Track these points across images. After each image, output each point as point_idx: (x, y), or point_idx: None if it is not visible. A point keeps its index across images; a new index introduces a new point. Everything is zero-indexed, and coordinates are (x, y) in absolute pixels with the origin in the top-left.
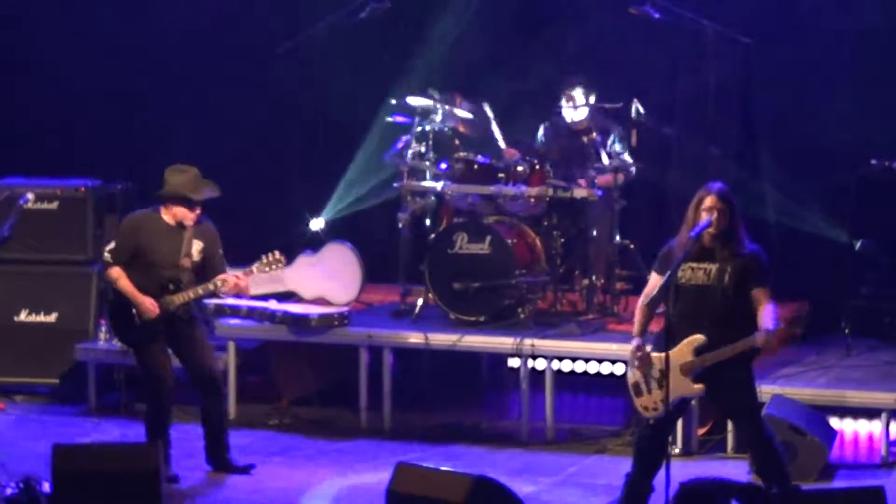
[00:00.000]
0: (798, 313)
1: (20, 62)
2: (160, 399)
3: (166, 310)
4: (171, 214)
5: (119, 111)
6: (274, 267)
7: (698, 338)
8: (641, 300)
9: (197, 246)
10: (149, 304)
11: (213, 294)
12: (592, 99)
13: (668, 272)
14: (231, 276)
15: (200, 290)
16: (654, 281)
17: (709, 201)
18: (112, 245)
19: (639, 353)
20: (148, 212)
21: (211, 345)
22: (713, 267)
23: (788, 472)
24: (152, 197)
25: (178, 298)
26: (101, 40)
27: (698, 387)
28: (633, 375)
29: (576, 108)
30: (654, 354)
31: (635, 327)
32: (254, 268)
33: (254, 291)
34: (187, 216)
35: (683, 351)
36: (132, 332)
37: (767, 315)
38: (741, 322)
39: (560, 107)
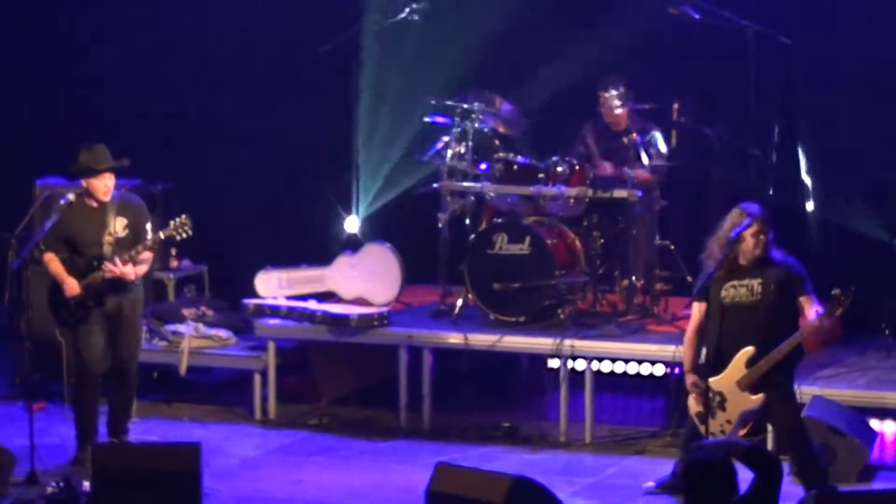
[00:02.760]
0: (842, 298)
1: (60, 63)
2: (83, 379)
3: (91, 286)
4: (89, 196)
5: (159, 111)
6: (182, 231)
7: (748, 350)
8: (688, 334)
9: (121, 222)
10: (70, 284)
11: (132, 262)
12: (630, 100)
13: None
14: (139, 249)
15: (117, 271)
16: (698, 311)
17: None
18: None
19: (697, 389)
20: (73, 199)
21: (139, 338)
22: (755, 282)
23: (827, 473)
24: (69, 178)
25: (101, 274)
26: (141, 40)
27: (758, 398)
28: (696, 405)
29: (612, 109)
30: (710, 381)
31: (686, 363)
32: (161, 233)
33: (294, 292)
34: (97, 188)
35: (737, 366)
36: (64, 312)
37: (813, 314)
38: (789, 333)
39: (599, 107)
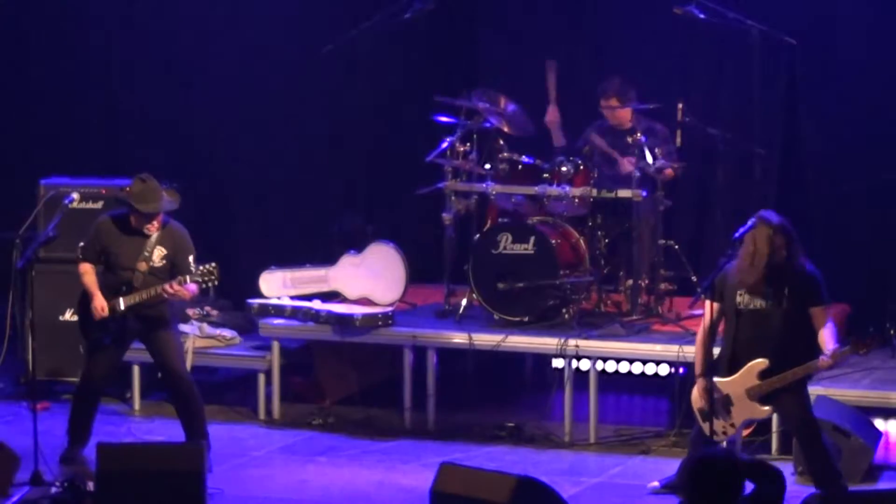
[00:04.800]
0: (868, 341)
1: (66, 60)
2: (83, 384)
3: (115, 310)
4: (133, 220)
5: (164, 110)
6: (208, 279)
7: (762, 362)
8: (700, 335)
9: (160, 252)
10: (97, 305)
11: (161, 298)
12: (631, 100)
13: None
14: (174, 285)
15: (145, 295)
16: (710, 309)
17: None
18: (83, 242)
19: (706, 395)
20: (120, 214)
21: (180, 348)
22: (770, 290)
23: (840, 473)
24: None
25: (128, 300)
26: (144, 38)
27: (766, 409)
28: (699, 401)
29: (612, 112)
30: (717, 380)
31: (698, 366)
32: (187, 277)
33: (298, 291)
34: (141, 224)
35: (748, 375)
36: (88, 325)
37: (828, 336)
38: (802, 341)
39: (602, 108)
